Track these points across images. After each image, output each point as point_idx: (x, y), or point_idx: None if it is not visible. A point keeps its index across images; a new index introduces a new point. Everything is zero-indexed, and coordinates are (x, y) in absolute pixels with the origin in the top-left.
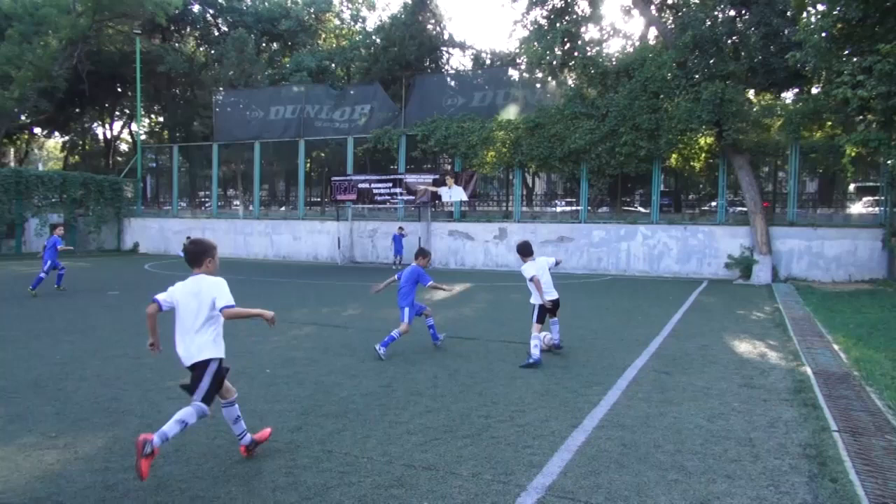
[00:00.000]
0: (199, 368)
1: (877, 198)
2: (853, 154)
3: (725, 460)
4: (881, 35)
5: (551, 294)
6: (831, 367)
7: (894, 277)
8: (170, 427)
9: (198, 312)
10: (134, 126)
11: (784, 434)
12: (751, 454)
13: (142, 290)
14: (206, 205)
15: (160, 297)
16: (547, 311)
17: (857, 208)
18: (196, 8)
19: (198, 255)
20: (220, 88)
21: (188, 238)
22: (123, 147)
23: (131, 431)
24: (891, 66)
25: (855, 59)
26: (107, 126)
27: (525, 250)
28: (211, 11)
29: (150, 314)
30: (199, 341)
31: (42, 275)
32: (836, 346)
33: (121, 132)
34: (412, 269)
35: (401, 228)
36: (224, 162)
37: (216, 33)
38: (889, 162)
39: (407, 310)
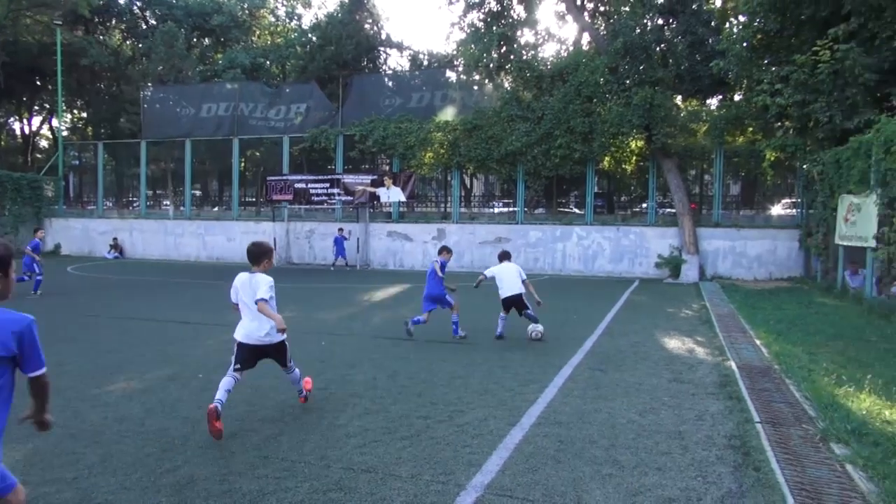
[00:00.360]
0: (278, 348)
1: (794, 200)
2: (772, 158)
3: (656, 453)
4: (797, 46)
5: (505, 292)
6: (754, 362)
7: (810, 276)
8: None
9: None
10: (55, 121)
11: (711, 426)
12: (680, 446)
13: (64, 295)
14: (135, 204)
15: (232, 299)
16: (505, 305)
17: (777, 210)
18: (122, 0)
19: (258, 256)
20: (149, 84)
21: (252, 243)
22: (43, 143)
23: (53, 443)
24: (805, 75)
25: (773, 69)
26: (25, 121)
27: (501, 256)
28: (138, 4)
29: (235, 311)
30: (259, 323)
31: (39, 277)
32: (758, 342)
33: (40, 128)
34: (439, 261)
35: (341, 230)
36: (153, 160)
37: (144, 27)
38: (805, 166)
39: (446, 296)
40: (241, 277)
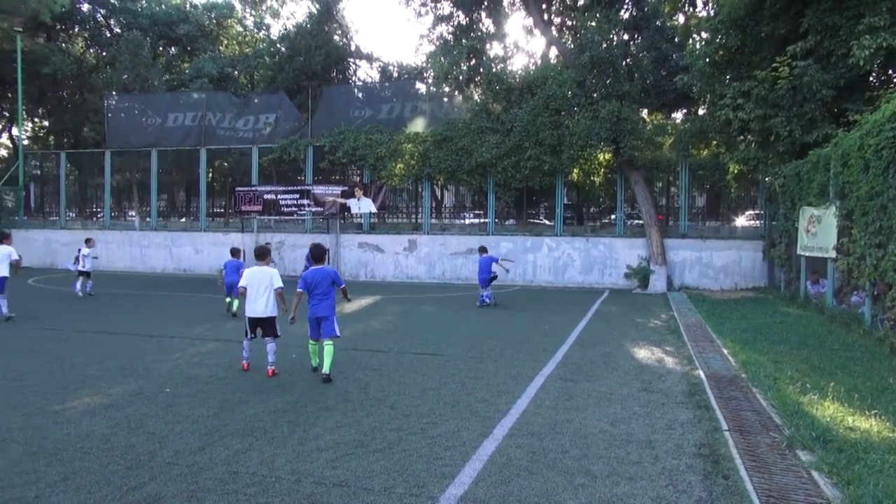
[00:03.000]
0: (269, 321)
1: (757, 212)
2: (736, 171)
3: (628, 462)
4: (757, 63)
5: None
6: (721, 371)
7: (774, 285)
8: (269, 359)
9: (266, 287)
10: (14, 130)
11: (681, 435)
12: (651, 456)
13: (25, 307)
14: (99, 215)
15: (242, 284)
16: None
17: (741, 221)
18: (85, 7)
19: (264, 254)
20: (113, 93)
21: (263, 244)
22: (2, 153)
23: (13, 461)
24: (766, 91)
25: (735, 84)
26: None
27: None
28: (102, 11)
29: (242, 294)
30: (266, 303)
31: None
32: (725, 351)
33: None
34: (489, 258)
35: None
36: (118, 170)
37: (108, 35)
38: (767, 179)
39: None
40: (255, 270)
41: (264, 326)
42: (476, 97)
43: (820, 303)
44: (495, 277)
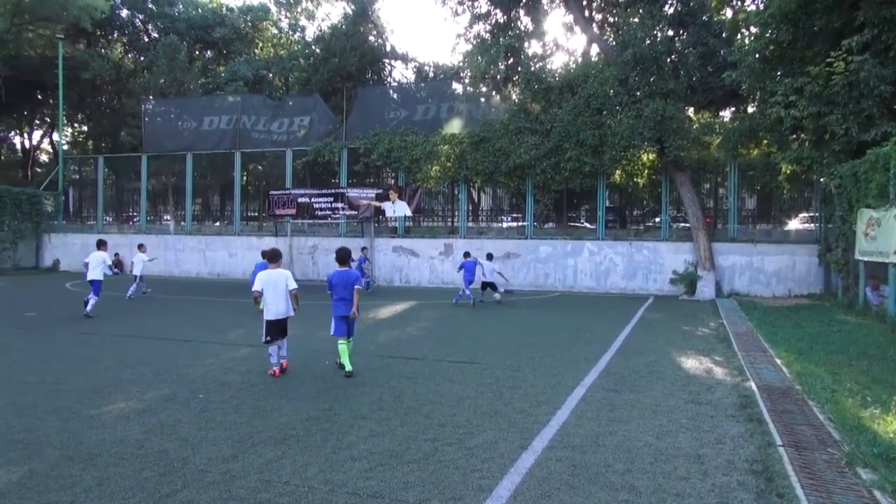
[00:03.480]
0: (286, 322)
1: (812, 214)
2: (788, 171)
3: (675, 478)
4: (810, 58)
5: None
6: (774, 382)
7: (831, 292)
8: (282, 353)
9: (283, 288)
10: (55, 136)
11: (731, 450)
12: (700, 471)
13: (61, 311)
14: (135, 219)
15: (256, 288)
16: (482, 286)
17: (795, 224)
18: (124, 13)
19: (276, 257)
20: (150, 97)
21: (267, 249)
22: (43, 158)
23: (49, 465)
24: (820, 87)
25: (787, 80)
26: (25, 135)
27: (488, 256)
28: (140, 17)
29: (256, 298)
30: (286, 304)
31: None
32: (778, 361)
33: (40, 142)
34: (473, 261)
35: (365, 249)
36: (154, 174)
37: (146, 39)
38: (822, 180)
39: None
40: (270, 273)
41: (283, 327)
42: (514, 97)
43: (881, 311)
44: (492, 284)
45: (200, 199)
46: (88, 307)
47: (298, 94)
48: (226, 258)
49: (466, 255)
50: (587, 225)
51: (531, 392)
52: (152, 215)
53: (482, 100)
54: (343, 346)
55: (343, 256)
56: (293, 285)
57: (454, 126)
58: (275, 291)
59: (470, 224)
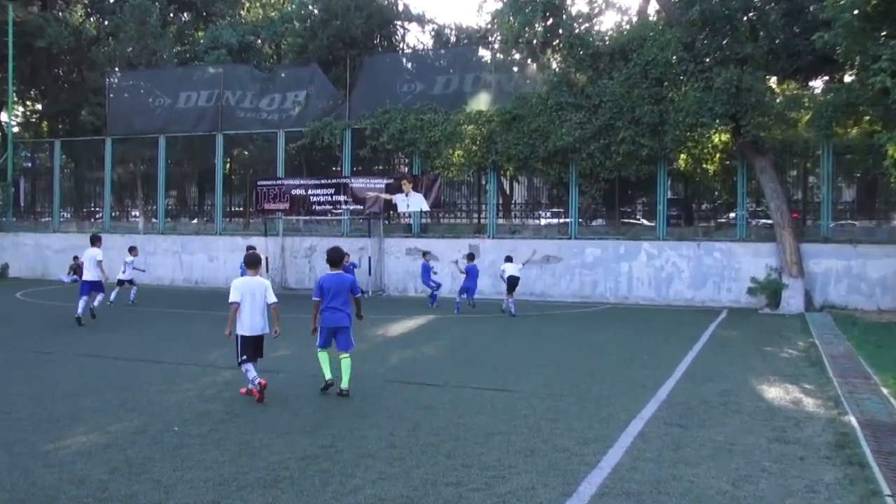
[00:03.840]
0: (262, 339)
1: None
2: None
3: None
4: None
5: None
6: (880, 416)
7: None
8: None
9: (261, 300)
10: (3, 116)
11: (826, 500)
12: None
13: (13, 326)
14: (97, 216)
15: (234, 299)
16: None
17: None
18: None
19: (256, 262)
20: (116, 69)
21: (249, 247)
22: None
23: None
24: None
25: (893, 42)
26: None
27: (506, 259)
28: None
29: (234, 310)
30: (263, 319)
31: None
32: (885, 391)
33: None
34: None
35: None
36: (120, 161)
37: (111, 1)
38: None
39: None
40: (248, 281)
41: (259, 346)
42: (554, 65)
43: None
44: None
45: (175, 191)
46: (97, 302)
47: (292, 64)
48: (205, 262)
49: (471, 257)
50: (644, 221)
51: (576, 427)
52: (118, 210)
53: (515, 69)
54: (324, 355)
55: (336, 258)
56: (272, 298)
57: (481, 102)
58: (252, 303)
59: (500, 221)
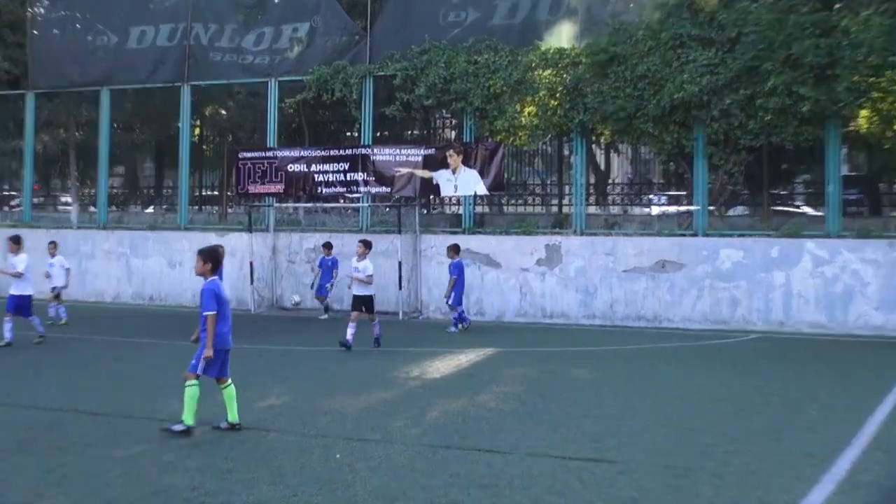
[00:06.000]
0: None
1: None
2: None
3: None
4: None
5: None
6: None
7: None
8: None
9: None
10: None
11: None
12: None
13: None
14: (13, 203)
15: (211, 310)
16: None
17: None
18: None
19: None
20: None
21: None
22: None
23: None
24: None
25: None
26: None
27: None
28: None
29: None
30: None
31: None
32: None
33: None
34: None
35: (328, 246)
36: (46, 126)
37: None
38: None
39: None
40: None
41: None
42: None
43: None
44: None
45: (123, 167)
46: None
47: None
48: (163, 270)
49: (456, 249)
50: (807, 210)
51: None
52: (43, 195)
53: None
54: (195, 389)
55: (215, 257)
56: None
57: (562, 36)
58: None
59: (592, 210)
